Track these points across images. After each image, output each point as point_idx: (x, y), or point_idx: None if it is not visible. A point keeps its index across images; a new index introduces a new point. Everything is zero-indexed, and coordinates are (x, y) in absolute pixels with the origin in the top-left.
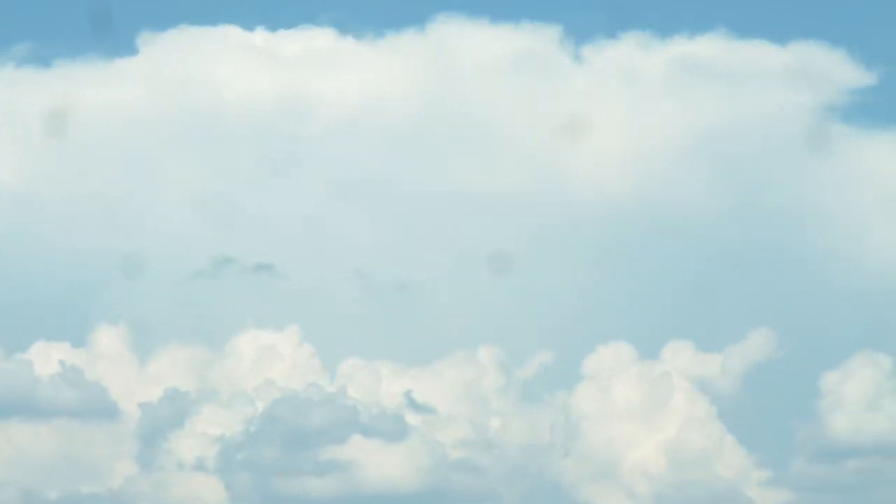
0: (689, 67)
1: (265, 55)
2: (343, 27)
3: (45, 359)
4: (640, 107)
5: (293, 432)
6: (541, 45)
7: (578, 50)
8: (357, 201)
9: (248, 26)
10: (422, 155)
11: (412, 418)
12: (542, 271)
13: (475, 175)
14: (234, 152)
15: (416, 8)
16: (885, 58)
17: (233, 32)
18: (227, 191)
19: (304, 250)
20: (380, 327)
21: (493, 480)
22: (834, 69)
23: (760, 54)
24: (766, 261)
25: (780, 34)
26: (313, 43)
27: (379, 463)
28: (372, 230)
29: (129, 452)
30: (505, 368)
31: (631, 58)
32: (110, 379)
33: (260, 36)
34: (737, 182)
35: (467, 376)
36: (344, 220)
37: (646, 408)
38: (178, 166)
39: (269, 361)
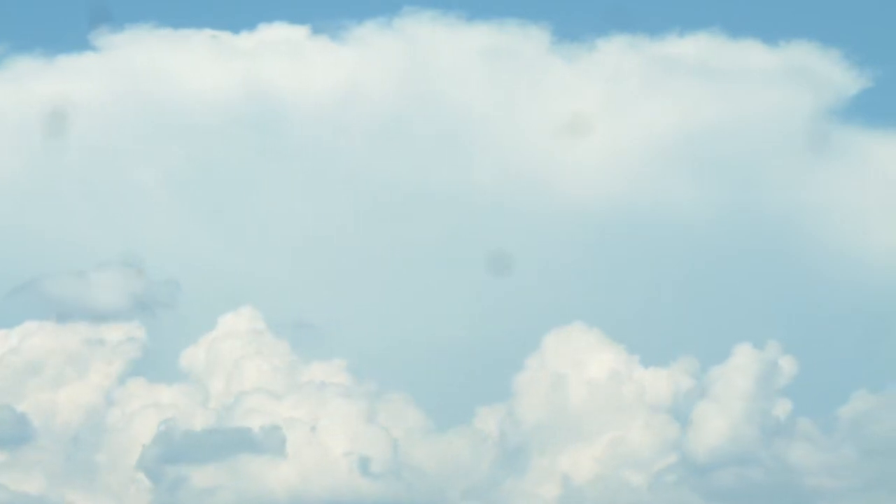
0: (679, 67)
1: (231, 51)
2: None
3: None
4: (626, 106)
5: None
6: (527, 43)
7: (565, 49)
8: (333, 196)
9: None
10: (398, 151)
11: None
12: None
13: (454, 173)
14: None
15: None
16: (879, 58)
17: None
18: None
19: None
20: None
21: None
22: (827, 69)
23: (752, 54)
24: (759, 262)
25: (772, 34)
26: (278, 38)
27: None
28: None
29: None
30: None
31: (619, 57)
32: None
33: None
34: (725, 183)
35: None
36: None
37: None
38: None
39: None
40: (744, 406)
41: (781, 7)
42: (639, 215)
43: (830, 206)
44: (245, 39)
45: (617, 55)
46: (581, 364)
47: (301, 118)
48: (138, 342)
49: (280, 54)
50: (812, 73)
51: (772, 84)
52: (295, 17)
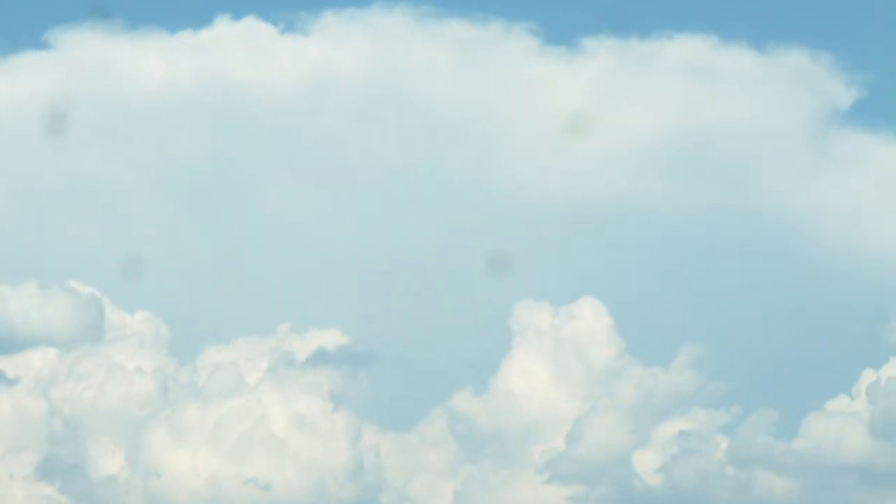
0: (669, 68)
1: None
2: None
3: None
4: (614, 107)
5: None
6: (511, 42)
7: (553, 48)
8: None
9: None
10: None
11: None
12: None
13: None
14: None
15: None
16: (871, 62)
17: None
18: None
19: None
20: None
21: None
22: (818, 73)
23: (743, 57)
24: (747, 262)
25: (763, 37)
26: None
27: None
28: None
29: None
30: None
31: (610, 58)
32: None
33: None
34: (714, 185)
35: None
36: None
37: None
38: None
39: None
40: None
41: (772, 10)
42: (627, 216)
43: (824, 209)
44: (206, 34)
45: (605, 56)
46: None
47: (268, 111)
48: None
49: (246, 48)
50: (803, 76)
51: (763, 87)
52: (260, 11)
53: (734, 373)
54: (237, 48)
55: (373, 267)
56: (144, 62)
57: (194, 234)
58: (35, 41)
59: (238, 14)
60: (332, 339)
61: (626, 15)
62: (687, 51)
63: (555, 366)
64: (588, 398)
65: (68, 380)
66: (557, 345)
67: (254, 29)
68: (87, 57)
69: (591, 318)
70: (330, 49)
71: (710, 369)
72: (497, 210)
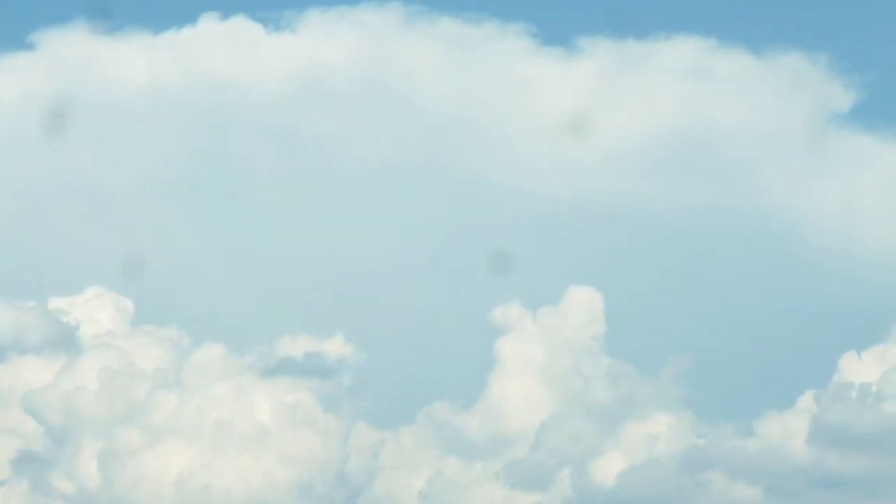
0: (664, 70)
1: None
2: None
3: None
4: (610, 107)
5: None
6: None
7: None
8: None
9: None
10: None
11: None
12: None
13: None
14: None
15: None
16: (869, 64)
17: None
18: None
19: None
20: None
21: None
22: (816, 74)
23: (741, 58)
24: (741, 263)
25: (761, 38)
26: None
27: None
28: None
29: None
30: None
31: (606, 58)
32: None
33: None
34: (712, 185)
35: None
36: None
37: None
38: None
39: None
40: None
41: (769, 11)
42: (620, 216)
43: (821, 209)
44: (191, 33)
45: (601, 57)
46: None
47: (256, 108)
48: None
49: (230, 46)
50: (800, 78)
51: (759, 88)
52: (245, 8)
53: (713, 379)
54: (224, 46)
55: (366, 267)
56: (130, 62)
57: (190, 233)
58: (20, 42)
59: (226, 13)
60: (327, 346)
61: (623, 16)
62: (684, 52)
63: (535, 369)
64: (557, 402)
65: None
66: (538, 347)
67: (239, 27)
68: (73, 57)
69: (575, 319)
70: (318, 46)
71: (693, 377)
72: (493, 209)
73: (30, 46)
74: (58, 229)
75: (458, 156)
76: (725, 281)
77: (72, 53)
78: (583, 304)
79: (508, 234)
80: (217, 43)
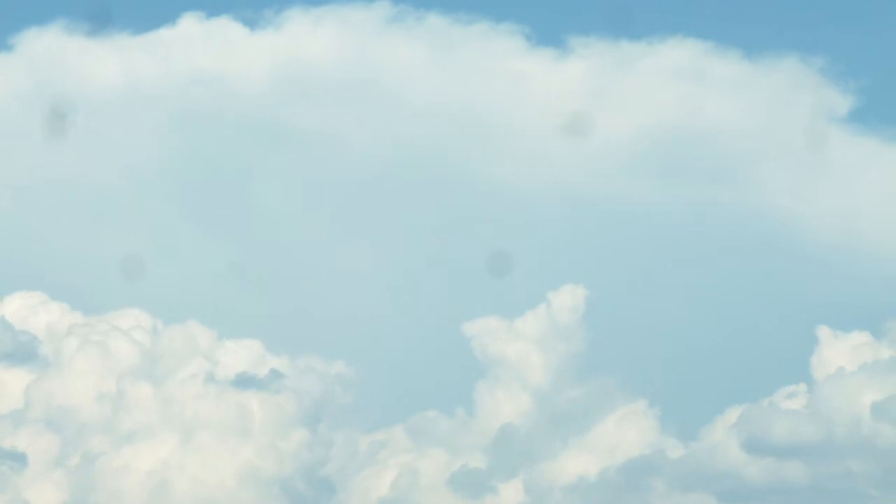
0: (659, 71)
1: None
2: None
3: None
4: (602, 108)
5: None
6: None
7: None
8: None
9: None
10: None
11: None
12: None
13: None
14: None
15: None
16: (865, 67)
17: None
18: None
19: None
20: None
21: None
22: (811, 77)
23: (735, 61)
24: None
25: (756, 41)
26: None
27: None
28: None
29: None
30: None
31: (597, 59)
32: None
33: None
34: (703, 185)
35: None
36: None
37: None
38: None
39: None
40: None
41: (764, 14)
42: (614, 216)
43: (818, 209)
44: (169, 32)
45: (593, 58)
46: None
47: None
48: None
49: (210, 45)
50: (795, 81)
51: (753, 90)
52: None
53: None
54: (209, 45)
55: (359, 268)
56: (112, 62)
57: (186, 232)
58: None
59: (211, 12)
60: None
61: (618, 18)
62: (679, 55)
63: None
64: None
65: None
66: (518, 348)
67: (222, 26)
68: (52, 58)
69: (560, 319)
70: (301, 44)
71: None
72: (483, 208)
73: (10, 48)
74: (44, 228)
75: (446, 154)
76: (717, 281)
77: (53, 54)
78: (567, 305)
79: (498, 234)
80: (199, 42)
